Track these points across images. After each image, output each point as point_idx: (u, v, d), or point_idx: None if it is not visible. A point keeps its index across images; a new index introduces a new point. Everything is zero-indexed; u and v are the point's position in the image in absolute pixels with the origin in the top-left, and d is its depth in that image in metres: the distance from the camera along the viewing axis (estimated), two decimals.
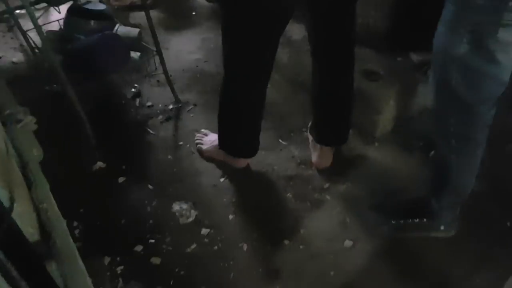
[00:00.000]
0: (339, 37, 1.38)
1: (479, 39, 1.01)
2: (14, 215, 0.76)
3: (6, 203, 0.76)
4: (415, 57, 2.18)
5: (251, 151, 1.63)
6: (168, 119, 1.95)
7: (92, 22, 1.82)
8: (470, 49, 1.03)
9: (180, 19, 2.66)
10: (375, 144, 1.78)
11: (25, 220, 0.80)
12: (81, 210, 1.54)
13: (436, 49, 1.12)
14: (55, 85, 2.00)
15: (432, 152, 1.68)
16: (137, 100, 2.05)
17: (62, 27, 1.91)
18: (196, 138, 1.79)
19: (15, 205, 0.76)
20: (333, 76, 1.47)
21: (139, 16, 2.51)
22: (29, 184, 0.90)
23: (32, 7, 1.48)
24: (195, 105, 2.02)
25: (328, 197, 1.58)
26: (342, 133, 1.64)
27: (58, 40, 1.81)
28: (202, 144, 1.76)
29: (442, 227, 1.42)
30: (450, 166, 1.28)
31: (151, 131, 1.88)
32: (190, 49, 2.39)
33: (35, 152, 1.12)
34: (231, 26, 1.31)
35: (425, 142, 1.76)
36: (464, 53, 1.04)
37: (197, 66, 2.25)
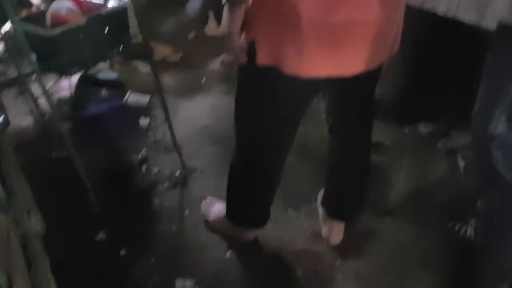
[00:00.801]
0: (359, 118, 1.37)
1: None
2: None
3: (4, 287, 0.72)
4: (423, 128, 2.18)
5: (262, 221, 1.57)
6: (174, 186, 1.90)
7: (102, 90, 1.84)
8: (509, 127, 1.03)
9: (190, 84, 2.69)
10: (386, 218, 1.72)
11: None
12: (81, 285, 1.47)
13: (475, 128, 1.12)
14: (61, 151, 1.98)
15: (451, 224, 1.63)
16: (144, 166, 2.02)
17: (72, 93, 1.93)
18: (201, 208, 1.74)
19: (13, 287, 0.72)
20: (351, 152, 1.45)
21: (149, 82, 2.55)
22: (29, 262, 0.86)
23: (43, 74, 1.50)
24: (202, 171, 1.98)
25: (340, 276, 1.50)
26: (356, 208, 1.59)
27: (68, 107, 1.82)
28: (208, 215, 1.70)
29: None
30: (494, 245, 1.25)
31: (156, 200, 1.83)
32: (199, 114, 2.39)
33: (37, 227, 1.08)
34: (247, 107, 1.29)
35: (438, 215, 1.70)
36: (503, 132, 1.04)
37: (205, 132, 2.25)
